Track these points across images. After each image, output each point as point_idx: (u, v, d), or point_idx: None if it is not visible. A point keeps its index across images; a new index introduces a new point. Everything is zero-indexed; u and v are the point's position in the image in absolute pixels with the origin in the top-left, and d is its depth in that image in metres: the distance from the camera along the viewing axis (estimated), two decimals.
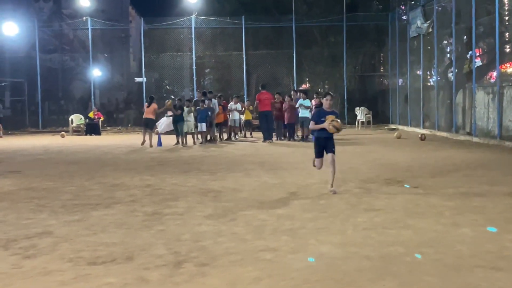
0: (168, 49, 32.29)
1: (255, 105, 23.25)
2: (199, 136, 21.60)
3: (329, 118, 9.46)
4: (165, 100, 29.98)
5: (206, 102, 21.30)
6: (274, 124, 22.62)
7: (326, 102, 9.87)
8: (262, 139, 22.06)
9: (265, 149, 18.67)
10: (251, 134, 25.45)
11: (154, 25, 32.35)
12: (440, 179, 10.97)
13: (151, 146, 20.10)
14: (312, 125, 9.98)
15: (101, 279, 5.26)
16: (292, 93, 23.36)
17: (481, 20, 19.89)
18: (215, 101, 22.21)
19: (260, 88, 23.46)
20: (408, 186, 9.07)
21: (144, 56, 32.44)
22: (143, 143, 20.45)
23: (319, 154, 9.82)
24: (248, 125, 25.58)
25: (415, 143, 19.78)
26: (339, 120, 9.71)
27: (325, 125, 9.41)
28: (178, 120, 20.39)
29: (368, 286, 4.93)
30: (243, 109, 23.91)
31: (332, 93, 11.20)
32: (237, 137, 23.86)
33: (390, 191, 9.78)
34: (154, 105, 20.97)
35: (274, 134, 22.65)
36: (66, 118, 30.79)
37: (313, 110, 21.62)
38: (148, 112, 20.88)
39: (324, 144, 9.75)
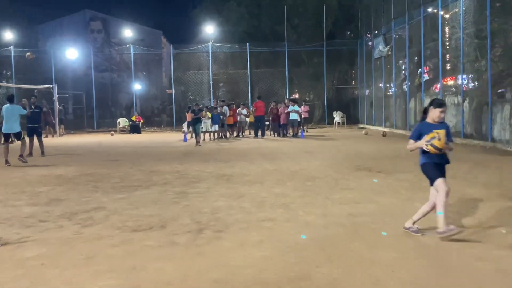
0: (191, 68, 32.38)
1: (252, 111, 23.38)
2: (215, 133, 21.60)
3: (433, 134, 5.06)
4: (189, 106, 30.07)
5: (219, 108, 21.40)
6: (265, 125, 22.99)
7: (436, 114, 5.17)
8: (254, 136, 22.49)
9: (265, 144, 18.69)
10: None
11: (180, 50, 32.37)
12: (397, 165, 10.98)
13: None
14: (408, 145, 5.41)
15: (142, 242, 5.29)
16: (286, 101, 23.32)
17: (428, 45, 19.87)
18: (226, 107, 22.22)
19: (256, 98, 23.86)
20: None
21: (173, 74, 32.46)
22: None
23: (439, 174, 5.25)
24: (252, 126, 25.59)
25: (378, 138, 19.80)
26: (440, 132, 5.02)
27: (420, 143, 5.16)
28: (196, 123, 18.88)
29: (343, 247, 4.95)
30: (248, 113, 23.92)
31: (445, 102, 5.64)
32: (243, 134, 23.83)
33: (360, 175, 9.79)
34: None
35: (266, 131, 23.00)
36: (114, 121, 30.86)
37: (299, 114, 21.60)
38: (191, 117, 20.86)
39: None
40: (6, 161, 12.45)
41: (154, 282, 4.11)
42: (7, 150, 12.65)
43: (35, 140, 14.88)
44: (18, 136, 12.92)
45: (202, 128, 19.82)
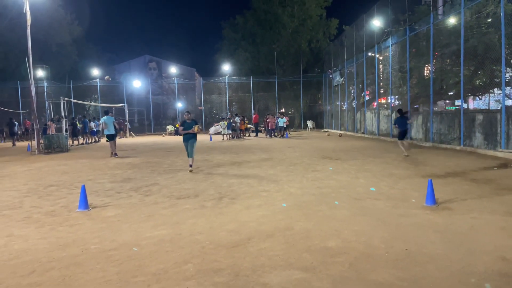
0: (214, 92, 32.29)
1: (252, 120, 23.70)
2: (229, 135, 21.46)
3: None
4: (215, 119, 30.17)
5: (232, 119, 21.27)
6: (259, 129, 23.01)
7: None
8: (255, 135, 22.44)
9: (262, 142, 18.64)
10: (254, 134, 25.38)
11: (207, 81, 32.31)
12: (349, 155, 10.97)
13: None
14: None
15: (183, 206, 5.29)
16: (277, 114, 23.42)
17: (369, 76, 19.80)
18: (237, 118, 22.11)
19: (253, 112, 24.12)
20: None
21: (202, 96, 32.40)
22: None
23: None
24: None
25: (336, 138, 19.73)
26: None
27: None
28: (187, 139, 14.62)
29: (314, 208, 4.94)
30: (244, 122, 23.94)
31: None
32: (249, 135, 23.68)
33: (324, 162, 9.77)
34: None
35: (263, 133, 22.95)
36: (164, 127, 30.82)
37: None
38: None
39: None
40: (115, 154, 12.11)
41: (191, 231, 4.12)
42: (114, 145, 12.33)
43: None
44: (113, 137, 12.35)
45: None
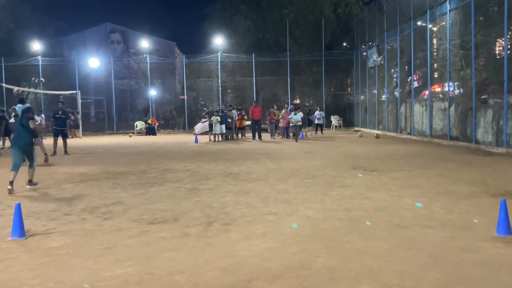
0: (202, 76, 32.47)
1: (250, 115, 22.88)
2: (223, 135, 21.50)
3: None
4: (201, 111, 30.34)
5: (227, 112, 21.30)
6: (261, 128, 22.59)
7: None
8: (252, 137, 21.97)
9: (268, 145, 18.66)
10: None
11: (192, 59, 32.44)
12: (389, 165, 10.95)
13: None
14: None
15: (157, 234, 5.30)
16: (287, 106, 23.28)
17: (418, 55, 19.84)
18: (234, 111, 22.17)
19: (253, 104, 23.50)
20: (361, 175, 8.85)
21: (185, 81, 32.52)
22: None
23: None
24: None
25: (372, 140, 19.74)
26: None
27: None
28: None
29: (340, 239, 4.94)
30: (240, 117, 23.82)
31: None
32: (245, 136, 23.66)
33: (355, 173, 9.76)
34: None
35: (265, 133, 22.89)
36: (132, 124, 30.99)
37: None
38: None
39: None
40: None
41: (168, 270, 4.12)
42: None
43: (60, 140, 15.11)
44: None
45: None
